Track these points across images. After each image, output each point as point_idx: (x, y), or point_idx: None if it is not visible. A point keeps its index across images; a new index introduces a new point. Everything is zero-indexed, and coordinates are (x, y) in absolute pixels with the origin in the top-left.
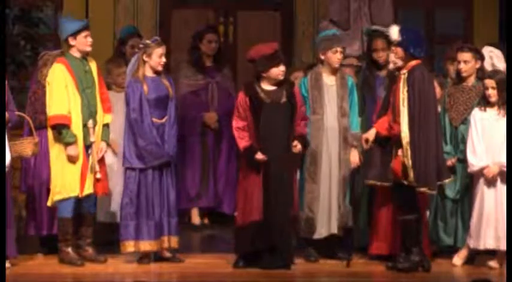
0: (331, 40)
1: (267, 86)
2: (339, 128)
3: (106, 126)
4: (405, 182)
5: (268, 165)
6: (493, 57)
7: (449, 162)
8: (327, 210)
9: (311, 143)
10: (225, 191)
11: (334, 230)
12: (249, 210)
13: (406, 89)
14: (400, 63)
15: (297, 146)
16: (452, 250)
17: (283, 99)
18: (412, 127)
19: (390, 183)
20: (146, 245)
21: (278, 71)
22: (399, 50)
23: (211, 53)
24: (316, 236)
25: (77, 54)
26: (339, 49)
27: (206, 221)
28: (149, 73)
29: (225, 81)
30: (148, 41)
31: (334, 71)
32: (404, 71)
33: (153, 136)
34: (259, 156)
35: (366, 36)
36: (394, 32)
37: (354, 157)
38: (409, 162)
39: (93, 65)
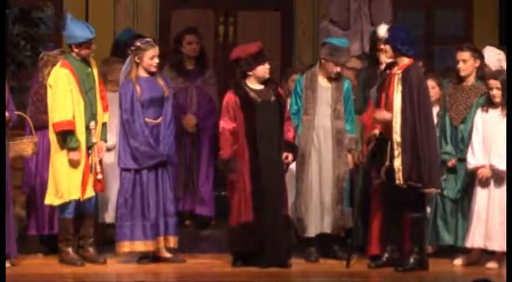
0: (339, 52)
1: (254, 85)
2: (331, 129)
3: (104, 125)
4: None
5: (260, 166)
6: (501, 60)
7: (449, 163)
8: (318, 210)
9: (301, 142)
10: (205, 195)
11: (327, 229)
12: (241, 210)
13: (401, 89)
14: (388, 61)
15: (288, 157)
16: (452, 250)
17: (273, 98)
18: (412, 128)
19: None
20: (141, 246)
21: (264, 69)
22: (388, 48)
23: (192, 55)
24: (307, 234)
25: (78, 57)
26: (342, 63)
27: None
28: (143, 74)
29: (205, 85)
30: (139, 43)
31: (330, 76)
32: (398, 70)
33: (145, 137)
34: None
35: (373, 37)
36: (382, 29)
37: (351, 159)
38: (398, 163)
39: (94, 66)
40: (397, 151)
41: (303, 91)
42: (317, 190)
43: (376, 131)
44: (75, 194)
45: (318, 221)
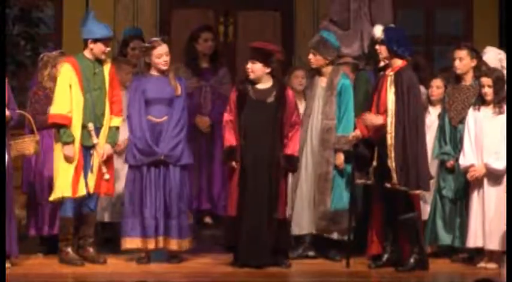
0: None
1: (260, 85)
2: (320, 128)
3: (115, 128)
4: (388, 185)
5: (248, 164)
6: (502, 60)
7: (448, 164)
8: (302, 209)
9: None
10: (221, 194)
11: (311, 229)
12: (228, 204)
13: (393, 90)
14: (385, 62)
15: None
16: (451, 250)
17: (271, 99)
18: (403, 129)
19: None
20: (139, 243)
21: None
22: (383, 49)
23: (208, 52)
24: (293, 232)
25: (90, 56)
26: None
27: (208, 220)
28: (155, 73)
29: (220, 85)
30: (146, 44)
31: (321, 72)
32: (390, 72)
33: (143, 134)
34: (233, 164)
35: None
36: (378, 30)
37: (340, 159)
38: (392, 164)
39: (106, 67)
40: (390, 152)
41: (305, 91)
42: (302, 189)
43: (358, 132)
44: (66, 191)
45: (304, 220)
